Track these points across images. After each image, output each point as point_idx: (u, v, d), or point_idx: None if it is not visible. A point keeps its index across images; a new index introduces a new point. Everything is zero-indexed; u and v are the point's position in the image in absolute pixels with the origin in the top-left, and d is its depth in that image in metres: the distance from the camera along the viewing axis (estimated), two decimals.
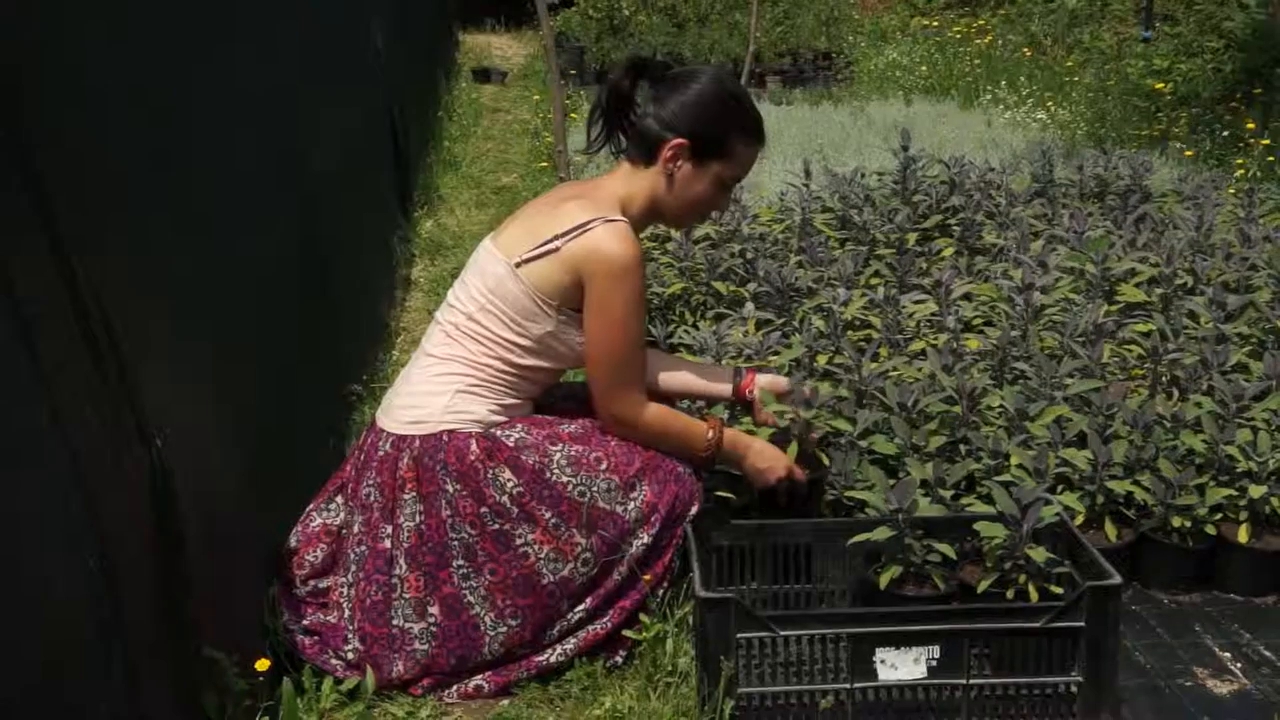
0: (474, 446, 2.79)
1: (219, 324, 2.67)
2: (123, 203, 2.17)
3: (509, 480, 2.78)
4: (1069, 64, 10.80)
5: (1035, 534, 2.96)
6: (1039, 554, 2.81)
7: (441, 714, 2.76)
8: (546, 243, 2.82)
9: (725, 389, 3.23)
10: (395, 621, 2.81)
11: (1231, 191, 5.71)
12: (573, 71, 12.73)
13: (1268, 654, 3.00)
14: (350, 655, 2.82)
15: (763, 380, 3.22)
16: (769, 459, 3.10)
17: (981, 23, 12.92)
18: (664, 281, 4.90)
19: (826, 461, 3.23)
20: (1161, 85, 8.88)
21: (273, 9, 3.76)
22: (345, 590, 2.86)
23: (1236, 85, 8.76)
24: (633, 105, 3.01)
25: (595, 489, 2.83)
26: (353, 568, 2.85)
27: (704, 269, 4.88)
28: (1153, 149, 7.65)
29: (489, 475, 2.78)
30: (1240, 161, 6.97)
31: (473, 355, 2.88)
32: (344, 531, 2.91)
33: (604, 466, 2.85)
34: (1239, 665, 2.96)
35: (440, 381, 2.88)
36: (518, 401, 2.95)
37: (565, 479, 2.81)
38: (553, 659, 2.85)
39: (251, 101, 3.26)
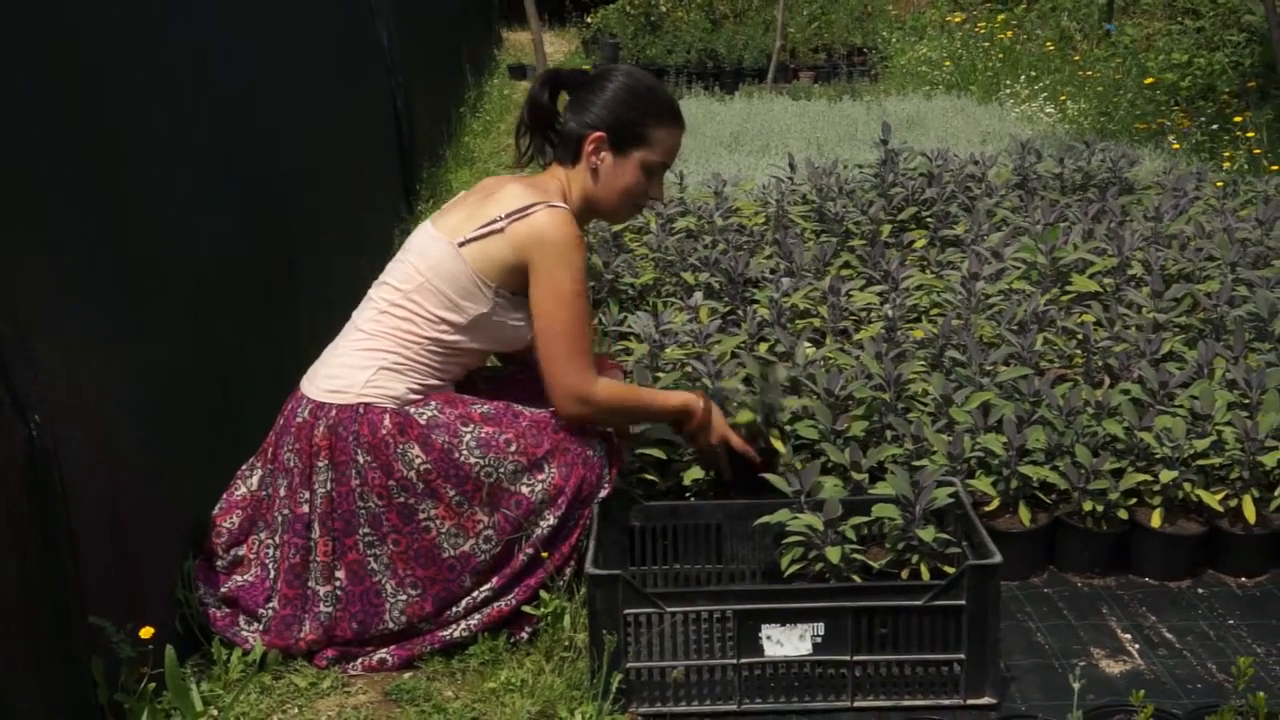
0: (387, 421, 2.89)
1: (139, 311, 2.78)
2: (30, 194, 2.29)
3: (417, 457, 2.88)
4: (1095, 56, 10.74)
5: (939, 517, 3.02)
6: (928, 534, 2.87)
7: (343, 685, 2.86)
8: (491, 223, 2.93)
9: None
10: (309, 584, 2.92)
11: (1220, 184, 5.70)
12: None
13: (1169, 636, 3.04)
14: (268, 613, 2.92)
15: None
16: (718, 428, 3.24)
17: (1003, 18, 12.86)
18: (636, 272, 4.99)
19: (783, 449, 3.32)
20: (1174, 77, 8.84)
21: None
22: (270, 551, 2.98)
23: (1255, 79, 8.71)
24: (555, 116, 3.11)
25: (502, 470, 2.92)
26: (278, 530, 2.96)
27: (676, 259, 4.95)
28: (1151, 142, 7.64)
29: (398, 450, 2.87)
30: (1228, 154, 6.95)
31: (402, 333, 2.97)
32: (264, 495, 3.02)
33: (513, 449, 2.93)
34: (1137, 646, 3.00)
35: (366, 356, 2.98)
36: (439, 383, 3.04)
37: (473, 459, 2.90)
38: (456, 633, 2.94)
39: (195, 89, 3.35)
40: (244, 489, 3.06)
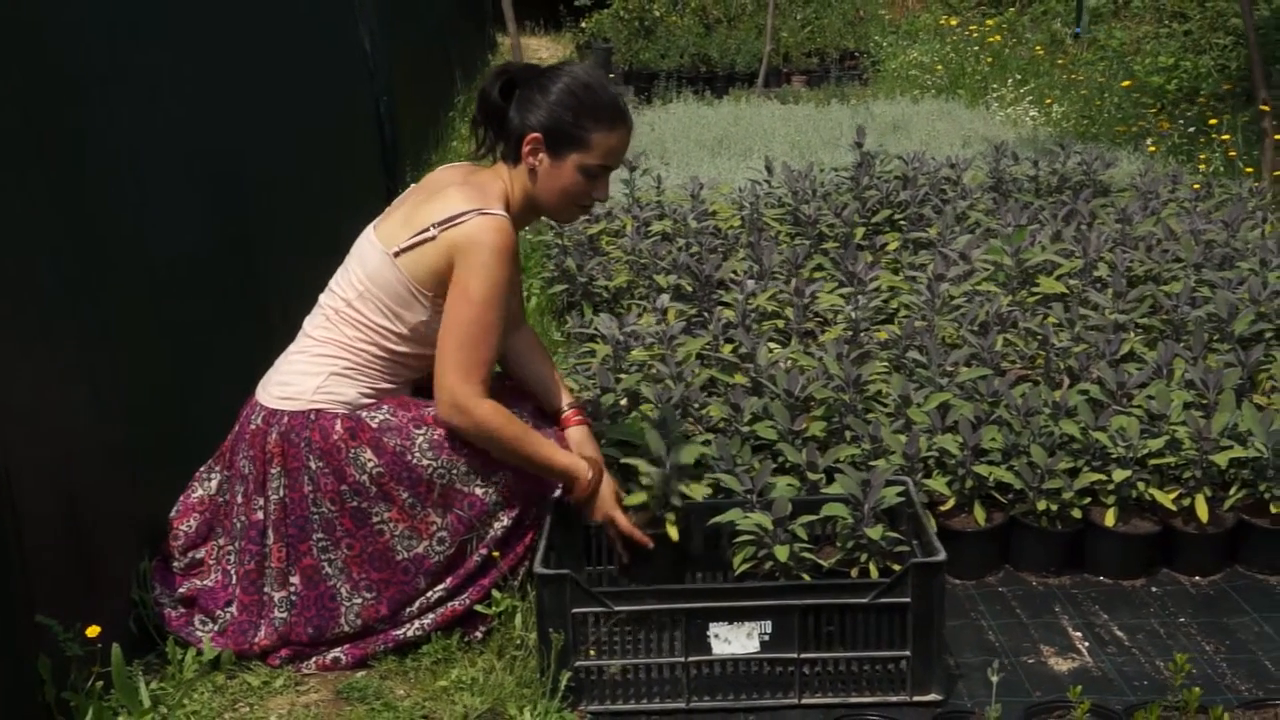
0: (338, 426, 2.91)
1: (95, 312, 2.81)
2: None
3: (369, 461, 2.90)
4: (1083, 60, 10.77)
5: (892, 517, 3.05)
6: (876, 532, 2.89)
7: (296, 684, 2.88)
8: (424, 231, 2.91)
9: (552, 405, 3.26)
10: (265, 589, 2.95)
11: (1196, 186, 5.72)
12: (610, 75, 12.86)
13: (1119, 634, 3.06)
14: (225, 616, 2.95)
15: (577, 434, 3.19)
16: (604, 504, 3.05)
17: (992, 23, 12.88)
18: (611, 275, 5.02)
19: (675, 537, 3.05)
20: (1160, 81, 8.86)
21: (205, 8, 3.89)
22: (230, 557, 3.00)
23: (1241, 82, 8.73)
24: (505, 111, 3.06)
25: (455, 472, 2.94)
26: (236, 537, 2.99)
27: (650, 262, 4.98)
28: (1130, 145, 7.67)
29: (350, 455, 2.90)
30: (1204, 157, 6.98)
31: (349, 340, 2.99)
32: (222, 500, 3.04)
33: (465, 450, 2.95)
34: (1086, 644, 3.02)
35: (316, 362, 2.99)
36: (392, 386, 3.06)
37: (426, 461, 2.92)
38: (410, 633, 2.96)
39: (158, 89, 3.38)
40: (201, 492, 3.09)
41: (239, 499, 2.99)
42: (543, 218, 3.20)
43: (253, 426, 2.97)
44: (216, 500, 3.06)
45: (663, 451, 3.01)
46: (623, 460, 3.13)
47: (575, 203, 3.06)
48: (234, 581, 2.98)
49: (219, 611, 2.97)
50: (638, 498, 3.06)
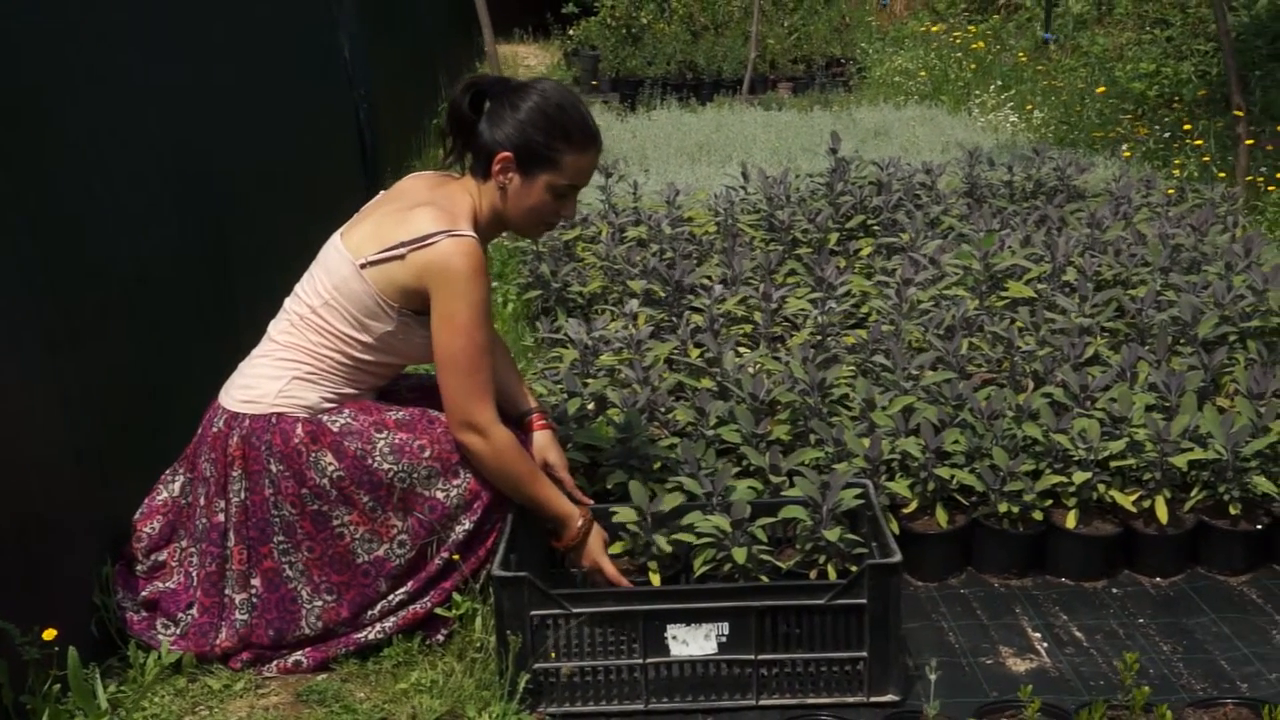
0: (299, 430, 2.92)
1: (57, 317, 2.82)
2: None
3: (330, 464, 2.91)
4: (1065, 66, 10.81)
5: (853, 519, 3.07)
6: (834, 534, 2.91)
7: (257, 687, 2.89)
8: (393, 248, 2.91)
9: (516, 410, 3.28)
10: (226, 591, 2.96)
11: (1171, 192, 5.75)
12: (594, 83, 12.91)
13: (1078, 634, 3.08)
14: (187, 619, 2.96)
15: (541, 439, 3.22)
16: (592, 552, 3.07)
17: (973, 30, 12.93)
18: (585, 280, 5.04)
19: (657, 583, 3.05)
20: (1142, 87, 8.90)
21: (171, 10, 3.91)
22: (193, 559, 3.01)
23: (1220, 88, 8.76)
24: (474, 124, 3.05)
25: (416, 475, 2.95)
26: (198, 540, 3.00)
27: (624, 268, 5.00)
28: (1107, 150, 7.70)
29: (311, 458, 2.91)
30: (1178, 161, 7.01)
31: (313, 346, 3.00)
32: (185, 503, 3.06)
33: (426, 454, 2.96)
34: (1045, 645, 3.04)
35: (279, 367, 3.01)
36: (356, 392, 3.07)
37: (387, 466, 2.94)
38: (371, 636, 2.98)
39: (130, 94, 3.39)
40: (165, 494, 3.10)
41: (200, 501, 3.00)
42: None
43: (215, 429, 2.98)
44: (179, 502, 3.07)
45: (644, 502, 3.02)
46: (612, 513, 3.09)
47: (542, 221, 3.07)
48: (195, 583, 2.99)
49: (180, 614, 2.98)
50: (620, 545, 3.08)
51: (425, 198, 3.02)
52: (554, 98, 2.99)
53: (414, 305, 2.95)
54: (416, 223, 2.91)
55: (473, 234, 2.92)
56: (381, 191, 3.22)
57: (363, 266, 2.93)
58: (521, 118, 2.95)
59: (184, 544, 3.04)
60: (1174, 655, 2.98)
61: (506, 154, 2.95)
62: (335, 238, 3.07)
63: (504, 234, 3.30)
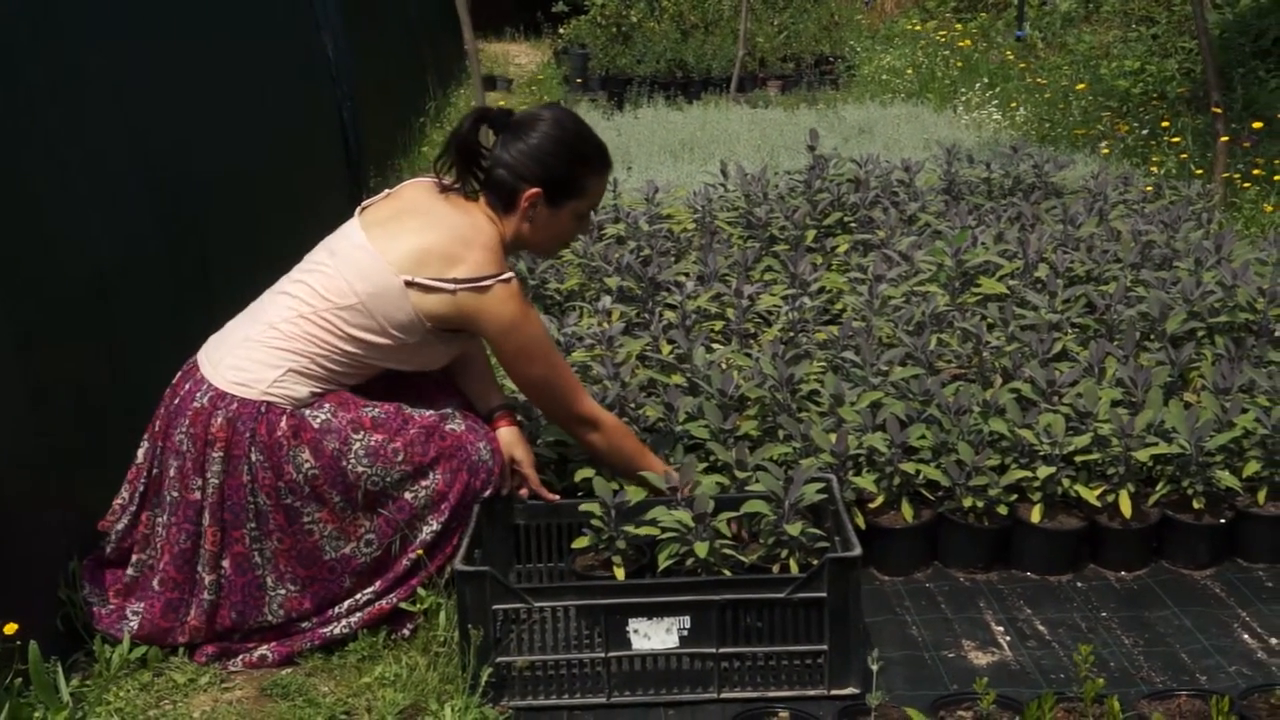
0: (284, 423, 2.94)
1: (23, 313, 2.83)
2: None
3: (306, 462, 2.93)
4: (1051, 64, 10.83)
5: (817, 514, 3.08)
6: (795, 528, 2.92)
7: (221, 681, 2.91)
8: (446, 281, 2.97)
9: (484, 406, 3.32)
10: (197, 569, 2.98)
11: (1148, 189, 5.77)
12: (579, 80, 12.92)
13: (1041, 628, 3.10)
14: (156, 588, 2.97)
15: (507, 436, 3.25)
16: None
17: (960, 28, 12.95)
18: (562, 277, 5.05)
19: (621, 578, 3.03)
20: (1126, 84, 8.92)
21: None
22: (160, 531, 3.01)
23: (1202, 85, 8.78)
24: (480, 152, 3.15)
25: (389, 479, 2.97)
26: (167, 512, 3.00)
27: (601, 265, 5.01)
28: (1088, 147, 7.73)
29: (290, 453, 2.92)
30: (1157, 159, 7.03)
31: (319, 342, 2.99)
32: (154, 471, 3.04)
33: (400, 459, 2.98)
34: (1008, 638, 3.06)
35: (278, 356, 3.00)
36: (340, 386, 3.09)
37: (361, 469, 2.95)
38: (337, 630, 3.00)
39: (105, 91, 3.40)
40: (133, 468, 3.10)
41: (171, 472, 2.99)
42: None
43: (196, 404, 2.97)
44: (147, 471, 3.05)
45: (609, 496, 3.04)
46: (582, 509, 3.12)
47: (565, 242, 3.32)
48: (162, 556, 2.99)
49: (149, 591, 2.99)
50: (584, 540, 3.09)
51: (456, 223, 3.07)
52: (570, 126, 3.14)
53: (448, 326, 3.04)
54: (468, 262, 2.99)
55: (513, 273, 3.04)
56: (386, 190, 3.24)
57: (407, 285, 2.96)
58: (543, 152, 3.08)
59: (156, 514, 3.03)
60: (1135, 648, 3.00)
61: (536, 190, 3.07)
62: (359, 236, 3.05)
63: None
